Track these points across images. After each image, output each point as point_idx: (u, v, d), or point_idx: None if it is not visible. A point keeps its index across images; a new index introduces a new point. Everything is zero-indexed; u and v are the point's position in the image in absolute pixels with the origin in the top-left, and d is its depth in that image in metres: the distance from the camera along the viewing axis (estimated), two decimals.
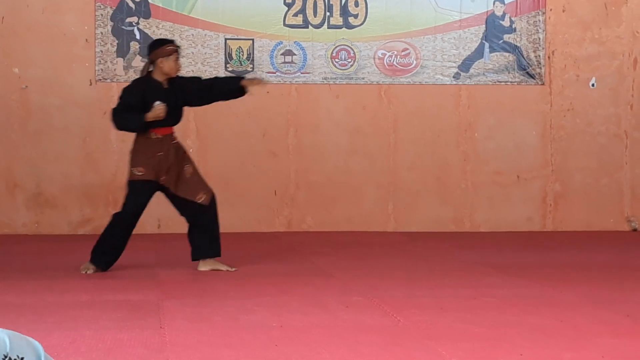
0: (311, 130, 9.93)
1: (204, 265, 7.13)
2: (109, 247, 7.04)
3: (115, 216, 7.09)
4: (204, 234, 7.12)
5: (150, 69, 7.10)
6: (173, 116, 7.08)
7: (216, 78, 7.64)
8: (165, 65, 7.03)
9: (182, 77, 7.26)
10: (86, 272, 6.98)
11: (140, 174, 6.99)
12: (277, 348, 4.61)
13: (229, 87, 7.24)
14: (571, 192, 10.12)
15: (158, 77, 7.05)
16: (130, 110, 6.95)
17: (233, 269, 7.12)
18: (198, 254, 7.13)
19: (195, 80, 7.35)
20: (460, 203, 10.03)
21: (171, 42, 7.17)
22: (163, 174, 7.01)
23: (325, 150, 9.94)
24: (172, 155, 7.05)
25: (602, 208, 10.12)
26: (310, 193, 9.90)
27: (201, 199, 7.06)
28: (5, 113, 9.59)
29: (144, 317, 5.36)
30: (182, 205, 7.12)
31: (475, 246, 8.82)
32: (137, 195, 7.01)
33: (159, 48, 7.08)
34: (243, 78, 7.35)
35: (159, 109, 6.90)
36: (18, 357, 1.94)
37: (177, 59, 7.05)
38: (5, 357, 1.97)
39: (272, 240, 9.15)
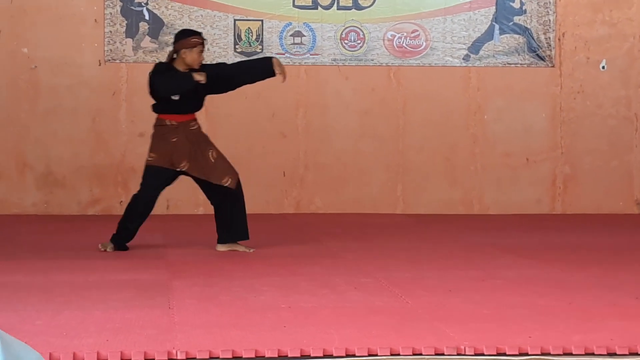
0: (320, 112, 9.91)
1: (222, 247, 7.14)
2: (124, 228, 7.11)
3: (132, 198, 7.19)
4: (231, 218, 7.13)
5: (175, 57, 7.11)
6: (190, 104, 7.10)
7: (242, 63, 7.56)
8: (188, 56, 7.04)
9: (207, 65, 7.24)
10: (105, 250, 7.04)
11: (151, 158, 7.07)
12: (286, 329, 4.61)
13: (258, 68, 7.19)
14: (580, 175, 10.10)
15: (180, 66, 7.06)
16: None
17: (251, 250, 7.13)
18: (225, 238, 7.15)
19: (221, 66, 7.37)
20: (469, 185, 10.02)
21: (198, 34, 7.18)
22: (182, 160, 7.01)
23: (335, 132, 9.92)
24: (191, 142, 7.05)
25: (612, 191, 10.10)
26: (319, 174, 9.89)
27: (227, 182, 7.08)
28: (14, 93, 9.59)
29: (153, 297, 5.37)
30: (209, 189, 7.14)
31: (484, 228, 8.81)
32: (150, 180, 7.07)
33: (184, 39, 7.09)
34: (271, 58, 7.22)
35: (203, 73, 6.89)
36: None
37: (201, 51, 7.06)
38: None
39: (281, 222, 9.16)
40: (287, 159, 9.85)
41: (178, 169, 7.05)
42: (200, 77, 6.91)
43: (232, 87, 7.35)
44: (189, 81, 6.93)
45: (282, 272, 6.32)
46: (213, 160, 7.09)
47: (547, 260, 6.84)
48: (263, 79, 7.29)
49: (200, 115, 9.65)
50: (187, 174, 7.11)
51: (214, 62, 9.64)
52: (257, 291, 5.57)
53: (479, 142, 10.04)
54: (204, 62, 7.18)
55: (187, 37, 7.10)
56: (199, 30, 9.64)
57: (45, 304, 5.16)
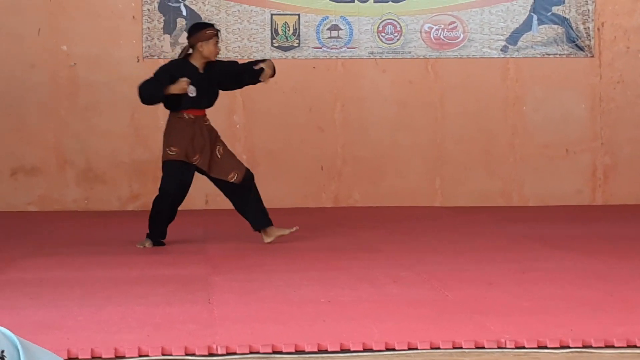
0: (357, 105, 9.90)
1: (267, 237, 7.19)
2: (156, 225, 7.13)
3: (155, 198, 7.20)
4: (246, 210, 7.20)
5: (190, 52, 7.15)
6: (206, 99, 7.14)
7: (250, 63, 7.53)
8: (205, 49, 7.08)
9: (220, 62, 7.31)
10: (143, 247, 7.08)
11: (173, 153, 7.08)
12: (325, 323, 4.62)
13: (251, 76, 7.24)
14: (621, 165, 10.01)
15: (196, 61, 7.11)
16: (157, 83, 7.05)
17: (295, 229, 7.18)
18: (255, 226, 7.22)
19: (232, 64, 7.39)
20: (508, 177, 9.96)
21: (211, 25, 7.23)
22: (196, 154, 7.05)
23: (372, 125, 9.91)
24: (204, 137, 7.11)
25: None
26: (357, 168, 9.89)
27: (233, 177, 7.13)
28: (54, 90, 9.67)
29: (193, 292, 5.39)
30: (219, 184, 7.23)
31: (523, 220, 8.76)
32: (172, 175, 7.08)
33: (199, 32, 7.15)
34: (262, 68, 7.20)
35: (182, 81, 6.94)
36: (2, 353, 1.88)
37: (216, 42, 7.11)
38: None
39: (319, 215, 9.16)
40: (324, 153, 9.85)
41: (192, 163, 7.08)
42: (178, 89, 6.91)
43: (240, 86, 7.41)
44: (157, 93, 6.97)
45: (321, 266, 6.33)
46: (219, 157, 7.15)
47: (587, 252, 6.79)
48: (254, 83, 7.31)
49: (237, 109, 9.72)
50: (198, 169, 7.14)
51: (251, 56, 9.66)
52: (296, 285, 5.58)
53: (517, 133, 9.98)
54: (218, 59, 7.25)
55: (202, 30, 7.17)
56: (237, 25, 9.69)
57: (86, 300, 5.21)
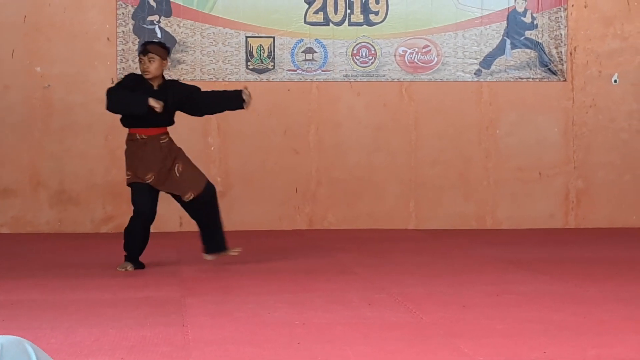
0: (332, 128, 9.93)
1: (208, 256, 7.27)
2: (133, 249, 7.12)
3: (130, 220, 7.19)
4: (206, 230, 7.24)
5: None
6: (160, 119, 7.11)
7: (215, 93, 7.50)
8: (139, 66, 7.16)
9: (181, 84, 7.36)
10: (125, 270, 7.05)
11: (128, 177, 7.15)
12: (300, 345, 4.61)
13: (228, 102, 7.29)
14: (594, 189, 10.08)
15: (152, 79, 7.14)
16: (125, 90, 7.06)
17: (237, 251, 7.22)
18: (206, 249, 7.27)
19: (193, 89, 7.32)
20: (482, 200, 10.01)
21: (142, 44, 7.28)
22: (148, 173, 7.04)
23: (347, 148, 9.93)
24: (159, 156, 7.07)
25: (625, 205, 10.07)
26: (332, 190, 9.90)
27: (189, 197, 7.13)
28: (28, 111, 9.63)
29: (167, 315, 5.37)
30: (182, 204, 7.23)
31: (497, 243, 8.80)
32: (135, 196, 7.10)
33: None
34: (241, 92, 7.24)
35: (160, 102, 6.94)
36: None
37: (144, 60, 7.04)
38: None
39: (294, 238, 9.16)
40: (299, 175, 9.87)
41: (145, 182, 7.06)
42: (156, 104, 6.93)
43: (200, 114, 7.47)
44: (141, 105, 6.95)
45: (296, 288, 6.32)
46: (178, 175, 7.14)
47: (561, 275, 6.82)
48: (232, 109, 7.36)
49: (212, 131, 9.72)
50: (157, 189, 7.13)
51: (226, 79, 9.68)
52: (271, 308, 5.57)
53: (491, 157, 10.03)
54: (182, 81, 7.37)
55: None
56: (212, 47, 9.70)
57: (59, 322, 5.17)
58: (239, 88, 7.30)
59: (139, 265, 7.11)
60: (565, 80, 10.04)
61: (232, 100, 7.27)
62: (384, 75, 9.95)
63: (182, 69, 9.71)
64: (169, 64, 7.59)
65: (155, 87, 7.11)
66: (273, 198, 9.80)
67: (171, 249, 8.23)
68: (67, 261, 7.65)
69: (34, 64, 9.64)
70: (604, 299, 5.88)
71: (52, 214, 9.64)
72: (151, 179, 7.07)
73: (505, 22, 10.00)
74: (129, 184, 7.16)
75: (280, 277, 6.78)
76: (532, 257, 7.79)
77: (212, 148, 9.72)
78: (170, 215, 9.14)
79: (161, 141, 7.13)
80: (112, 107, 7.07)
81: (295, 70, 9.85)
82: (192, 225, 9.50)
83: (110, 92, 7.06)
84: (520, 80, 10.04)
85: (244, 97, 7.19)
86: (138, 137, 7.10)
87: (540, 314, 5.37)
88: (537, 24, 10.01)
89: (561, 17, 10.02)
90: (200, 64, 9.74)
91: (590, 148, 10.08)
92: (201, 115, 7.58)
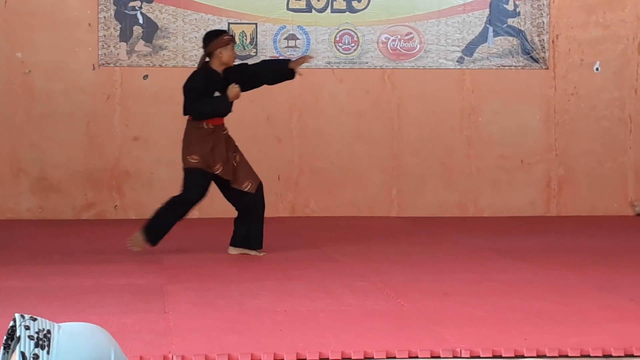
0: (315, 115, 9.92)
1: (234, 250, 7.16)
2: (161, 227, 7.04)
3: (174, 199, 7.11)
4: (249, 225, 7.14)
5: (207, 60, 7.15)
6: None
7: (263, 62, 7.61)
8: (224, 54, 7.09)
9: (235, 66, 7.28)
10: (135, 245, 6.98)
11: (194, 161, 7.02)
12: (282, 332, 4.61)
13: (277, 71, 7.30)
14: (575, 177, 10.11)
15: (216, 67, 7.12)
16: (203, 97, 7.02)
17: (262, 254, 7.13)
18: (239, 243, 7.16)
19: (244, 67, 7.40)
20: (464, 188, 10.02)
21: (225, 32, 7.27)
22: (217, 163, 7.02)
23: (329, 135, 9.92)
24: (223, 146, 7.09)
25: (606, 192, 10.11)
26: (314, 178, 9.89)
27: (247, 187, 7.11)
28: (9, 98, 9.58)
29: (149, 302, 5.36)
30: (231, 194, 7.17)
31: (479, 231, 8.82)
32: (194, 182, 7.04)
33: (216, 38, 7.16)
34: (289, 61, 7.33)
35: (235, 88, 6.93)
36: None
37: (233, 47, 7.13)
38: None
39: (276, 225, 9.14)
40: (281, 163, 9.85)
41: (214, 172, 7.04)
42: (236, 96, 6.96)
43: (255, 86, 7.41)
44: (225, 105, 7.01)
45: (278, 276, 6.32)
46: (235, 165, 7.14)
47: (542, 263, 6.84)
48: (284, 80, 7.37)
49: None
50: (217, 178, 7.09)
51: None
52: (253, 295, 5.56)
53: (473, 145, 10.05)
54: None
55: (219, 37, 7.18)
56: (194, 33, 9.67)
57: (41, 309, 5.15)
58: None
59: (152, 242, 7.01)
60: (547, 68, 10.06)
61: (283, 71, 7.26)
62: (366, 63, 9.93)
63: (164, 55, 9.67)
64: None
65: (221, 75, 7.09)
66: None
67: None
68: (49, 248, 7.62)
69: (15, 50, 9.58)
70: (585, 287, 5.90)
71: (33, 200, 9.60)
72: (219, 170, 7.02)
73: (488, 9, 10.00)
74: (192, 168, 7.01)
75: (262, 264, 6.78)
76: (514, 245, 7.81)
77: None
78: (155, 203, 9.10)
79: (223, 131, 7.15)
80: (199, 117, 7.06)
81: (278, 57, 9.82)
82: None
83: (194, 106, 7.01)
84: (502, 68, 10.04)
85: (293, 65, 7.19)
86: (205, 126, 7.05)
87: (521, 302, 5.39)
88: (519, 12, 10.02)
89: (543, 4, 10.02)
90: (183, 50, 9.70)
91: (572, 136, 10.10)
92: (254, 88, 7.42)
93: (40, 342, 1.73)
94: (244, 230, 7.14)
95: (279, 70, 7.30)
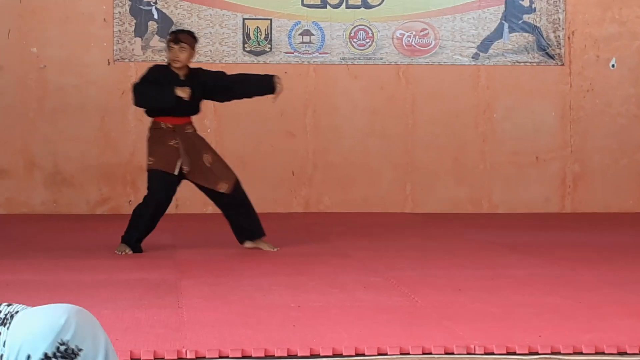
0: (329, 111, 9.90)
1: (248, 243, 7.15)
2: (136, 232, 7.01)
3: (140, 203, 7.08)
4: (239, 222, 7.11)
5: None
6: (186, 108, 7.03)
7: (242, 76, 7.45)
8: (168, 54, 7.06)
9: (206, 71, 7.19)
10: (123, 253, 6.94)
11: (150, 162, 6.99)
12: (295, 328, 4.60)
13: (258, 87, 7.18)
14: (590, 173, 10.07)
15: (174, 67, 7.03)
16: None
17: (275, 249, 7.11)
18: (242, 237, 7.15)
19: (219, 75, 7.22)
20: (478, 184, 10.00)
21: (179, 31, 7.20)
22: (179, 164, 6.94)
23: (343, 131, 9.91)
24: (187, 146, 6.99)
25: (621, 189, 10.07)
26: (328, 173, 9.89)
27: (222, 188, 7.03)
28: (23, 92, 9.60)
29: (162, 296, 5.36)
30: (208, 193, 7.13)
31: (492, 227, 8.79)
32: (153, 184, 6.99)
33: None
34: (273, 77, 7.15)
35: (187, 89, 6.87)
36: (77, 347, 1.89)
37: (175, 49, 6.94)
38: (62, 344, 1.92)
39: (290, 221, 9.15)
40: (295, 158, 9.84)
41: (177, 173, 6.98)
42: (183, 94, 6.85)
43: (229, 98, 7.33)
44: (168, 97, 6.85)
45: (291, 271, 6.31)
46: (208, 165, 7.03)
47: (556, 259, 6.81)
48: (261, 95, 7.24)
49: (208, 114, 9.68)
50: (187, 179, 7.05)
51: (223, 61, 9.64)
52: (266, 290, 5.56)
53: (488, 141, 10.02)
54: (204, 68, 7.18)
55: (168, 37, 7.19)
56: (208, 29, 9.67)
57: (53, 303, 5.15)
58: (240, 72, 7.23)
59: (138, 250, 7.03)
60: (562, 65, 10.02)
61: (262, 85, 7.13)
62: (381, 59, 9.92)
63: None
64: (196, 55, 7.47)
65: (181, 77, 6.98)
66: (269, 181, 9.78)
67: (167, 231, 8.20)
68: (62, 242, 7.64)
69: (29, 45, 9.60)
70: (599, 283, 5.87)
71: (47, 195, 9.62)
72: (185, 170, 6.93)
73: (504, 5, 9.97)
74: (150, 170, 6.98)
75: (276, 260, 6.78)
76: (528, 241, 7.79)
77: (209, 130, 9.69)
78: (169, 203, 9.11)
79: (186, 131, 7.04)
80: (139, 102, 6.96)
81: (293, 53, 9.82)
82: (188, 208, 9.50)
83: (136, 88, 6.93)
84: (517, 64, 10.01)
85: (276, 82, 7.05)
86: (163, 126, 6.98)
87: (535, 297, 5.37)
88: (535, 8, 9.98)
89: (559, 0, 9.98)
90: (197, 45, 9.68)
91: (587, 132, 10.06)
92: (229, 100, 7.41)
93: (5, 322, 1.99)
94: (240, 226, 7.11)
95: (263, 83, 7.12)
